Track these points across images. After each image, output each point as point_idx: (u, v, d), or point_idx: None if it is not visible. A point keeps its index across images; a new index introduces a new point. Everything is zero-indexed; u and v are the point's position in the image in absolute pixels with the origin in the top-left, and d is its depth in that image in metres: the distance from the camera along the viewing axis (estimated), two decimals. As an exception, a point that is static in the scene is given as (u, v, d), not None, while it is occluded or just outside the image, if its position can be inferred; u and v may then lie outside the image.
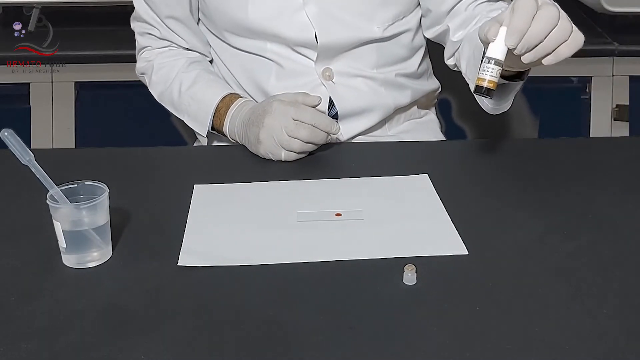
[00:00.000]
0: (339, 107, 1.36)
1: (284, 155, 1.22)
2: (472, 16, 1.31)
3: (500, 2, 1.33)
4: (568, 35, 1.01)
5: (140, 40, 1.45)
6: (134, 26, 1.45)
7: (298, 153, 1.22)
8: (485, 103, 1.23)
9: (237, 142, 1.30)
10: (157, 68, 1.41)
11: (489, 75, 1.03)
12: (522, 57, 1.02)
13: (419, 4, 1.39)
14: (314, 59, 1.34)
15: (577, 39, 1.02)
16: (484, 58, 1.04)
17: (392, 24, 1.36)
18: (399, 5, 1.36)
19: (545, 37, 1.00)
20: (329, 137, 1.25)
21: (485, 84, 1.03)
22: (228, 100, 1.33)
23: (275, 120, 1.21)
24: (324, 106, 1.34)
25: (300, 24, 1.32)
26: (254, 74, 1.37)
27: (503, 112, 1.25)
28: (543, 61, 1.03)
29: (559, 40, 1.01)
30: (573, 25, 1.02)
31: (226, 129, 1.32)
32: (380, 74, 1.38)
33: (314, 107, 1.23)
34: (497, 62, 1.02)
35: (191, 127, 1.38)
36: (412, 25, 1.40)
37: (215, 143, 1.41)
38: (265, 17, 1.32)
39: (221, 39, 1.40)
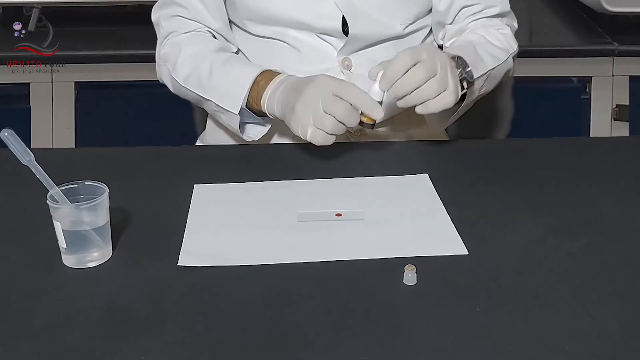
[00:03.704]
0: None
1: (310, 132, 1.15)
2: (465, 29, 1.38)
3: (496, 19, 1.39)
4: (434, 94, 1.13)
5: (165, 26, 1.40)
6: (159, 15, 1.40)
7: (328, 133, 1.15)
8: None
9: (272, 115, 1.25)
10: (186, 48, 1.36)
11: None
12: (396, 102, 1.16)
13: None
14: (338, 48, 1.34)
15: (446, 99, 1.15)
16: None
17: (413, 22, 1.38)
18: (420, 4, 1.38)
19: (413, 91, 1.13)
20: (361, 130, 1.28)
21: (365, 119, 1.15)
22: (268, 74, 1.28)
23: (314, 91, 1.16)
24: None
25: (328, 13, 1.32)
26: (271, 61, 1.34)
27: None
28: (415, 109, 1.16)
29: (422, 97, 1.14)
30: (448, 86, 1.14)
31: (265, 98, 1.25)
32: None
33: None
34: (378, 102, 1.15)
35: (219, 107, 1.30)
36: (428, 25, 1.42)
37: (216, 143, 1.40)
38: (291, 5, 1.32)
39: (241, 28, 1.39)
